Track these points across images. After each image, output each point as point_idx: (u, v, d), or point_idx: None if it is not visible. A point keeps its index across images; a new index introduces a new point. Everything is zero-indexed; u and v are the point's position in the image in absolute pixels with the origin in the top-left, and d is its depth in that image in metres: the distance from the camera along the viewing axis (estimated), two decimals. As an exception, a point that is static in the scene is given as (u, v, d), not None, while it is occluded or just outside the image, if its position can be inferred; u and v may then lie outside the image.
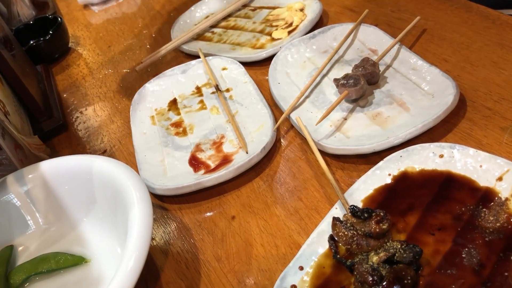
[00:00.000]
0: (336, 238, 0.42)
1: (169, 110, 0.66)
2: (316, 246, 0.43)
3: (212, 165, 0.55)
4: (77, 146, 0.69)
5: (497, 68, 0.55)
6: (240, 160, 0.53)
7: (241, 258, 0.46)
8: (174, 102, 0.67)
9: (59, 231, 0.52)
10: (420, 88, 0.55)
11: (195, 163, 0.56)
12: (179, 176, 0.54)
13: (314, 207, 0.48)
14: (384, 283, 0.37)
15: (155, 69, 0.77)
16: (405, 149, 0.47)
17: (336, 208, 0.45)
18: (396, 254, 0.39)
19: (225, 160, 0.55)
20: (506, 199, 0.41)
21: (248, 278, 0.44)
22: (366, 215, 0.41)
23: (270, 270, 0.44)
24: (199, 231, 0.50)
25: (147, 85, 0.69)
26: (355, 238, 0.40)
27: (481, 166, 0.43)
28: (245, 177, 0.53)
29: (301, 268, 0.41)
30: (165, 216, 0.53)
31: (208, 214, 0.52)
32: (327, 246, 0.43)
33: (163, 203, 0.54)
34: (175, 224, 0.52)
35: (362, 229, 0.41)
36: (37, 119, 0.72)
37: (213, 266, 0.46)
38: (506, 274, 0.37)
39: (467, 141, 0.49)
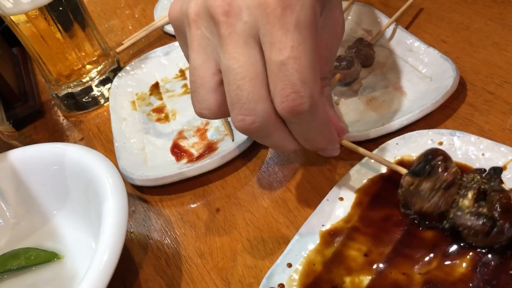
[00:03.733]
0: (420, 210, 0.37)
1: (150, 94, 0.62)
2: (306, 241, 0.40)
3: (196, 154, 0.51)
4: (54, 133, 0.65)
5: (499, 50, 0.52)
6: (226, 148, 0.49)
7: (225, 254, 0.43)
8: (156, 86, 0.63)
9: (30, 225, 0.48)
10: (417, 71, 0.51)
11: (177, 151, 0.52)
12: (160, 166, 0.51)
13: (304, 198, 0.45)
14: (498, 221, 0.34)
15: (137, 51, 0.73)
16: (401, 136, 0.44)
17: (327, 200, 0.42)
18: (482, 187, 0.35)
19: (210, 148, 0.51)
20: (511, 190, 0.38)
21: (232, 275, 0.41)
22: (429, 168, 0.36)
23: (256, 266, 0.41)
24: (181, 224, 0.47)
25: (127, 68, 0.65)
26: (442, 197, 0.36)
27: (483, 154, 0.40)
28: (231, 166, 0.50)
29: (290, 265, 0.38)
30: (145, 209, 0.49)
31: (191, 206, 0.48)
32: (317, 241, 0.39)
33: (143, 194, 0.51)
34: (155, 217, 0.48)
35: (436, 186, 0.36)
36: (11, 104, 0.68)
37: (195, 262, 0.43)
38: (511, 272, 0.34)
39: (468, 127, 0.45)
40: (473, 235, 0.35)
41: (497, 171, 0.36)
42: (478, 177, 0.36)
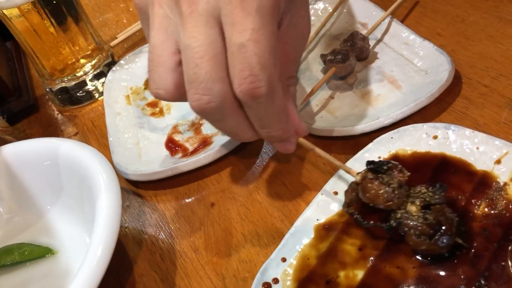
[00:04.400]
0: (371, 201, 0.38)
1: (145, 89, 0.62)
2: (300, 235, 0.40)
3: (190, 148, 0.51)
4: (49, 127, 0.65)
5: (494, 43, 0.52)
6: (221, 143, 0.49)
7: (220, 248, 0.43)
8: (151, 81, 0.62)
9: (24, 220, 0.48)
10: (413, 64, 0.51)
11: (172, 146, 0.52)
12: (155, 160, 0.51)
13: (299, 192, 0.45)
14: (443, 227, 0.35)
15: (131, 45, 0.73)
16: (396, 130, 0.43)
17: (322, 194, 0.42)
18: (427, 198, 0.37)
19: (204, 142, 0.51)
20: (505, 184, 0.38)
21: (227, 270, 0.41)
22: (385, 167, 0.38)
23: (251, 261, 0.41)
24: (176, 219, 0.47)
25: (121, 62, 0.64)
26: (396, 192, 0.37)
27: (478, 148, 0.40)
28: (225, 160, 0.50)
29: (284, 259, 0.38)
30: (139, 203, 0.49)
31: (186, 200, 0.48)
32: (312, 235, 0.39)
33: (138, 189, 0.50)
34: (150, 212, 0.48)
35: (392, 181, 0.38)
36: (5, 99, 0.67)
37: (190, 257, 0.43)
38: (503, 264, 0.34)
39: (463, 121, 0.45)
40: (418, 236, 0.35)
41: (443, 187, 0.37)
42: (425, 190, 0.37)
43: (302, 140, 0.41)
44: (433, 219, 0.35)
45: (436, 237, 0.35)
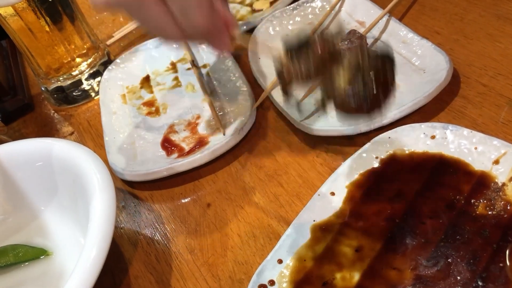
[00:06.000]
0: (297, 82, 0.36)
1: (141, 88, 0.61)
2: (296, 236, 0.39)
3: (186, 148, 0.51)
4: (44, 127, 0.64)
5: (492, 41, 0.51)
6: (217, 143, 0.49)
7: (216, 249, 0.42)
8: (147, 79, 0.62)
9: (18, 221, 0.47)
10: (411, 63, 0.50)
11: (168, 145, 0.52)
12: (150, 160, 0.50)
13: (296, 193, 0.44)
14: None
15: (128, 44, 0.72)
16: (394, 130, 0.43)
17: (319, 195, 0.41)
18: (360, 62, 0.34)
19: (201, 142, 0.51)
20: (503, 184, 0.37)
21: (223, 271, 0.41)
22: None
23: (247, 262, 0.41)
24: (171, 220, 0.46)
25: (117, 60, 0.64)
26: (313, 67, 0.35)
27: (476, 148, 0.40)
28: (222, 160, 0.49)
29: (280, 261, 0.38)
30: (135, 204, 0.49)
31: (182, 201, 0.48)
32: (308, 236, 0.39)
33: (133, 189, 0.50)
34: (145, 213, 0.48)
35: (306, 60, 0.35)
36: (0, 98, 0.67)
37: (186, 258, 0.43)
38: (501, 265, 0.34)
39: (461, 120, 0.45)
40: (341, 105, 0.34)
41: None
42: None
43: (238, 34, 0.40)
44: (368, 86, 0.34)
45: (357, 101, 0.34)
